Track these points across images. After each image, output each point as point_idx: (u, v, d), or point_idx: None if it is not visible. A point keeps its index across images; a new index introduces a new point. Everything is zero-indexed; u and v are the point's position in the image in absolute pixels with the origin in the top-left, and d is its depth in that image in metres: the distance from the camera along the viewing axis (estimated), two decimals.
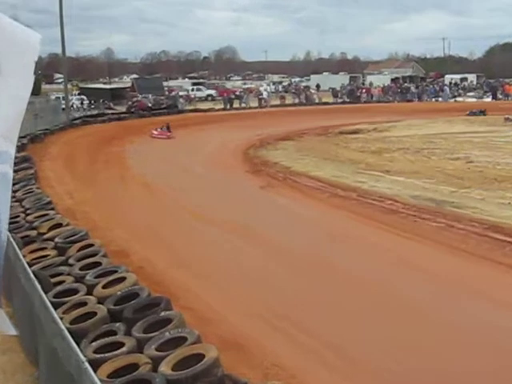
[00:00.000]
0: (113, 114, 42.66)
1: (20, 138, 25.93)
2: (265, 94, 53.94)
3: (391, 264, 10.61)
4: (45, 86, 68.79)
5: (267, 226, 13.45)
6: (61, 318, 6.30)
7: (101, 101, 48.55)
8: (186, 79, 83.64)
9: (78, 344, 5.31)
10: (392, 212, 14.52)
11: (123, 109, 46.49)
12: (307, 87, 64.37)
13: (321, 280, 9.82)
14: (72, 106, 45.66)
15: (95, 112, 43.94)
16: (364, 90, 59.48)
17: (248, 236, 12.58)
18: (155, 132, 31.71)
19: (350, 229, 13.31)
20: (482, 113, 40.29)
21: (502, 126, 32.55)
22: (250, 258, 11.12)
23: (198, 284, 9.62)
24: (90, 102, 49.21)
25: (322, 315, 8.36)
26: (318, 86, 67.88)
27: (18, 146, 3.47)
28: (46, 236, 10.93)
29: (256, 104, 51.16)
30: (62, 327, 5.49)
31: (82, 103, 46.60)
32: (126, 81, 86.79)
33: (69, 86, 47.57)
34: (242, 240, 12.36)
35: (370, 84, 64.36)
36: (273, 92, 61.85)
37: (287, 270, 10.34)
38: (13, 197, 14.24)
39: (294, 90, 63.01)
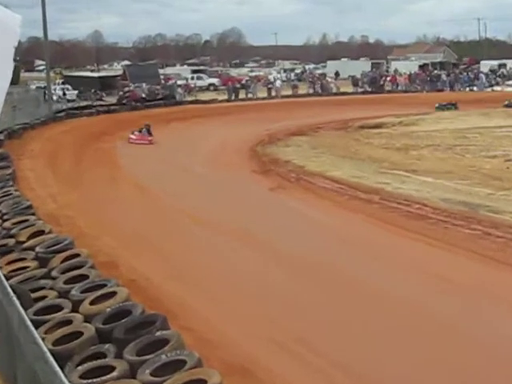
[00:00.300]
0: (101, 105, 42.71)
1: None
2: (277, 83, 53.89)
3: (419, 277, 10.57)
4: (24, 75, 68.98)
5: (277, 233, 13.44)
6: (42, 339, 6.31)
7: (92, 91, 48.64)
8: (185, 66, 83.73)
9: (61, 368, 5.32)
10: (420, 217, 14.49)
11: (113, 100, 46.58)
12: (323, 75, 64.31)
13: (339, 295, 9.80)
14: (60, 97, 45.78)
15: (83, 104, 43.94)
16: (388, 78, 59.39)
17: (255, 245, 12.58)
18: (133, 136, 29.05)
19: (371, 236, 13.29)
20: None
21: None
22: (258, 269, 11.11)
23: (198, 299, 9.63)
24: (80, 92, 49.25)
25: (340, 337, 8.35)
26: (336, 74, 67.83)
27: None
28: (25, 245, 10.96)
29: (265, 94, 51.11)
30: (44, 349, 5.50)
31: (64, 94, 46.56)
32: (117, 68, 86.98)
33: (51, 74, 47.69)
34: (248, 249, 12.36)
35: (395, 71, 64.23)
36: (284, 81, 61.73)
37: (299, 284, 10.32)
38: None
39: (308, 79, 62.97)
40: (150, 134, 29.06)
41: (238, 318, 8.98)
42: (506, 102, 40.74)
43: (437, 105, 41.29)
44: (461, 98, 43.90)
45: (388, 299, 9.58)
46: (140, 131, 29.15)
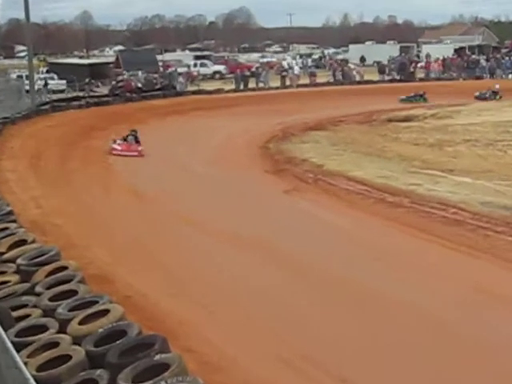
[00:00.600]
0: (91, 97, 42.79)
1: None
2: (295, 70, 53.82)
3: (458, 295, 10.52)
4: (3, 62, 69.36)
5: (292, 242, 13.44)
6: (25, 363, 6.33)
7: (86, 80, 48.72)
8: (187, 52, 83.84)
9: None
10: (456, 223, 14.47)
11: (105, 90, 46.65)
12: (345, 61, 64.27)
13: (363, 315, 9.78)
14: (44, 86, 45.83)
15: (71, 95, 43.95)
16: (419, 65, 59.26)
17: (267, 255, 12.57)
18: (117, 147, 25.60)
19: (400, 245, 13.27)
20: None
21: None
22: (269, 284, 11.10)
23: (201, 318, 9.64)
24: (68, 82, 49.31)
25: (366, 366, 8.34)
26: (362, 60, 67.70)
27: None
28: (5, 256, 10.97)
29: (278, 83, 51.10)
30: (27, 375, 5.50)
31: (45, 84, 46.55)
32: (109, 54, 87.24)
33: (34, 62, 47.77)
34: (259, 260, 12.36)
35: (427, 56, 64.11)
36: (300, 68, 61.70)
37: (316, 300, 10.32)
38: None
39: (328, 65, 62.94)
40: (137, 141, 26.00)
41: (247, 337, 9.00)
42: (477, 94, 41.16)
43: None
44: (503, 86, 43.74)
45: (424, 319, 9.55)
46: (125, 139, 25.93)
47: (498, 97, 40.65)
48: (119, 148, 25.42)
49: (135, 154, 24.96)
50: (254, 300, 10.40)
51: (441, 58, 60.63)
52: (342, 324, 9.48)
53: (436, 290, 10.72)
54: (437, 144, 24.76)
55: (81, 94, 44.35)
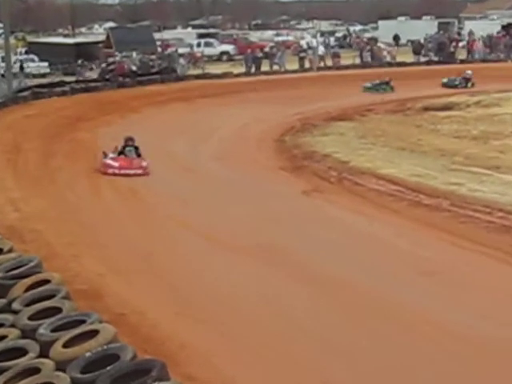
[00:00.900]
0: (77, 81, 42.74)
1: None
2: (320, 50, 53.71)
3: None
4: None
5: (314, 251, 13.46)
6: None
7: (79, 62, 48.69)
8: (189, 29, 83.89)
9: None
10: (505, 230, 14.46)
11: (94, 74, 46.67)
12: (373, 39, 64.15)
13: (403, 340, 9.76)
14: (21, 70, 45.83)
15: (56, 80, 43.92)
16: (461, 44, 59.10)
17: (284, 267, 12.58)
18: (112, 163, 21.76)
19: (440, 257, 13.22)
20: None
21: None
22: (289, 299, 11.12)
23: (207, 340, 9.65)
24: (51, 64, 49.38)
25: None
26: (396, 39, 67.43)
27: None
28: None
29: (295, 66, 51.08)
30: None
31: (21, 67, 46.45)
32: (98, 32, 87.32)
33: (12, 41, 47.83)
34: (275, 272, 12.37)
35: (470, 34, 63.98)
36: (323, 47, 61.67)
37: (344, 321, 10.32)
38: None
39: (354, 45, 62.86)
40: (137, 153, 22.20)
41: (262, 366, 9.00)
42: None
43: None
44: None
45: (483, 347, 9.53)
46: (121, 152, 22.09)
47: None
48: (115, 164, 21.56)
49: (139, 171, 21.39)
50: (274, 323, 10.36)
51: (485, 35, 60.48)
52: (368, 339, 9.49)
53: (483, 311, 10.64)
54: (481, 137, 24.72)
55: (66, 78, 44.32)
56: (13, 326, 8.86)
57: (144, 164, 21.53)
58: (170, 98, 35.70)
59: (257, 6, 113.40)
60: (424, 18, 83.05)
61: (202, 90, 39.28)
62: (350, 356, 9.21)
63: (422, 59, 55.36)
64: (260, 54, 53.03)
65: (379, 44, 59.63)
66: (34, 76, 45.32)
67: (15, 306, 9.42)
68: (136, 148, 22.06)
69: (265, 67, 50.30)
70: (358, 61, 54.25)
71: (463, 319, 10.32)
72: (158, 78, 44.05)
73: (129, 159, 21.79)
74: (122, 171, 21.25)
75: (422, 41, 60.03)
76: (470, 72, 41.92)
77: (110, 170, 21.31)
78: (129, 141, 22.14)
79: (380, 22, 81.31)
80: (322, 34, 74.33)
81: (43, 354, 8.04)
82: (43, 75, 46.97)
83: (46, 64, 49.84)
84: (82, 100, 36.28)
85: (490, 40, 58.90)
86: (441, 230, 14.81)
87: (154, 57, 50.21)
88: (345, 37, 74.65)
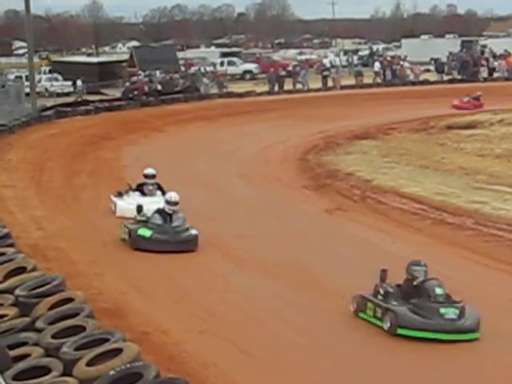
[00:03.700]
0: (101, 101, 42.83)
1: None
2: (347, 67, 53.66)
3: None
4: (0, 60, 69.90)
5: (338, 271, 13.44)
6: None
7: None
8: (212, 48, 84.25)
9: None
10: None
11: (117, 93, 46.78)
12: (397, 58, 64.12)
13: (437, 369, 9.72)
14: (46, 89, 46.06)
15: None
16: (485, 62, 58.94)
17: (309, 288, 12.57)
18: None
19: (464, 275, 13.17)
20: None
21: None
22: (315, 323, 11.10)
23: (231, 359, 9.65)
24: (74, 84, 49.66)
25: None
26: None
27: None
28: (1, 286, 11.03)
29: (319, 85, 51.13)
30: None
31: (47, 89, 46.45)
32: (122, 51, 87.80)
33: (36, 60, 48.06)
34: (299, 292, 12.35)
35: (494, 55, 63.81)
36: (344, 66, 61.72)
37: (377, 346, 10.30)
38: None
39: (376, 64, 62.71)
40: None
41: None
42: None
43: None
44: None
45: None
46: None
47: None
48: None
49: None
50: (300, 345, 10.36)
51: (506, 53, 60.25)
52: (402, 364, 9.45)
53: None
54: (505, 155, 24.65)
55: (89, 97, 44.52)
56: (36, 344, 8.87)
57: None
58: (194, 117, 35.79)
59: (280, 25, 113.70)
60: (447, 36, 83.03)
61: (225, 109, 39.36)
62: None
63: (445, 77, 55.30)
64: (283, 73, 53.04)
65: (403, 62, 59.61)
66: (58, 95, 45.56)
67: (39, 324, 9.45)
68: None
69: (288, 86, 50.35)
70: (380, 80, 54.21)
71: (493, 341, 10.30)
72: (181, 97, 44.20)
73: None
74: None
75: (445, 59, 59.98)
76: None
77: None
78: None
79: (403, 41, 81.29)
80: (346, 52, 74.53)
81: (67, 372, 8.04)
82: (67, 94, 47.19)
83: (69, 83, 50.10)
84: (106, 119, 36.40)
85: None
86: (464, 248, 14.79)
87: (177, 76, 50.36)
88: (369, 56, 74.57)
